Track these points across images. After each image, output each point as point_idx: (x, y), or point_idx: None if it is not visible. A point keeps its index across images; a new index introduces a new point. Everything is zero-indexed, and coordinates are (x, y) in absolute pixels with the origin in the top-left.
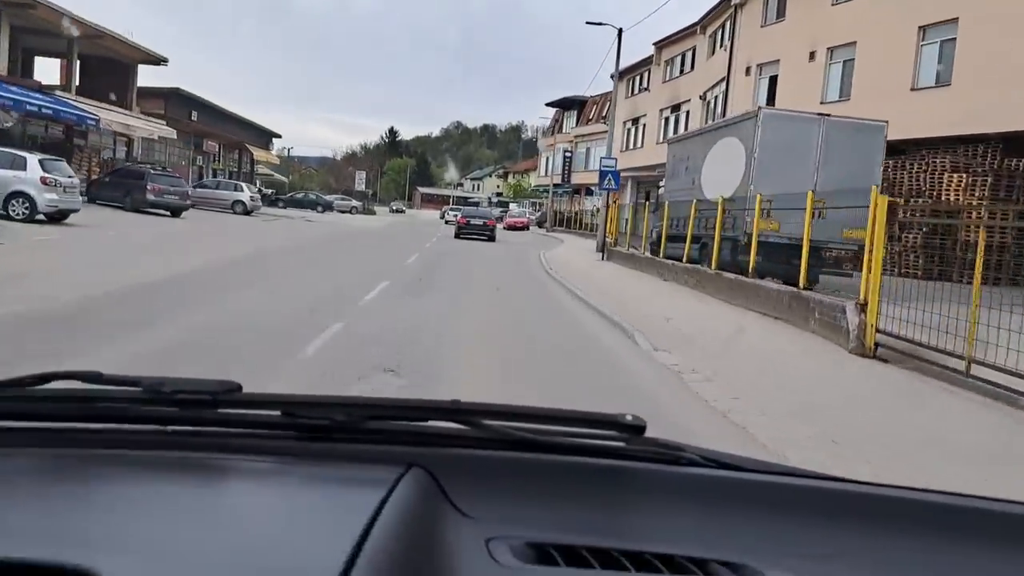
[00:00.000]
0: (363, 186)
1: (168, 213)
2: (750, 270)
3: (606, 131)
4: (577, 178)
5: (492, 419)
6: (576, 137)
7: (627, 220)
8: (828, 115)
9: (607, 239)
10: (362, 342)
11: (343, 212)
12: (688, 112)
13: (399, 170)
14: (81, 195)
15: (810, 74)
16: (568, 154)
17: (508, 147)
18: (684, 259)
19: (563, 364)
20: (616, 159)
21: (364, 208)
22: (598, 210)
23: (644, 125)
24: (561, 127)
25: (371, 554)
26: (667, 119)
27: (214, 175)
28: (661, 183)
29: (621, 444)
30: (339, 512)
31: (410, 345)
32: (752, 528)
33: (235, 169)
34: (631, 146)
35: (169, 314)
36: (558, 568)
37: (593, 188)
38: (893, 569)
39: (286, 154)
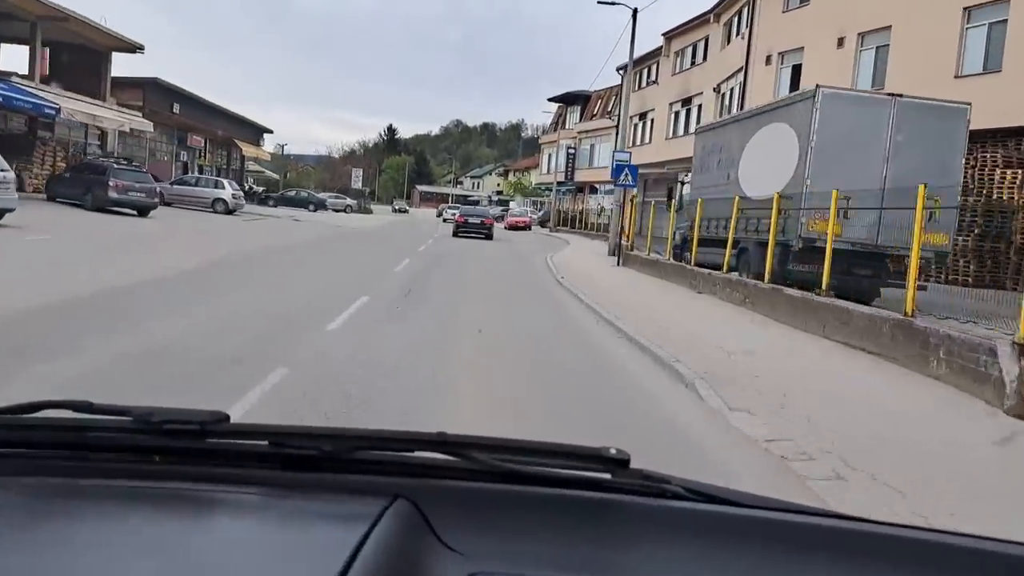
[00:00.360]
0: (360, 184)
1: (135, 212)
2: (823, 286)
3: (612, 127)
4: (581, 176)
5: (478, 451)
6: (580, 133)
7: (639, 220)
8: (900, 95)
9: (621, 241)
10: (306, 406)
11: (337, 211)
12: (700, 106)
13: (397, 168)
14: (37, 192)
15: (838, 62)
16: (571, 151)
17: (508, 145)
18: (724, 268)
19: (601, 436)
20: (630, 152)
21: (361, 207)
22: (603, 209)
23: (652, 120)
24: (564, 123)
25: None
26: (677, 113)
27: (200, 171)
28: (684, 177)
29: (607, 476)
30: (322, 546)
31: (378, 408)
32: (737, 563)
33: (224, 165)
34: (638, 142)
35: (19, 360)
36: None
37: (598, 186)
38: None
39: (280, 151)
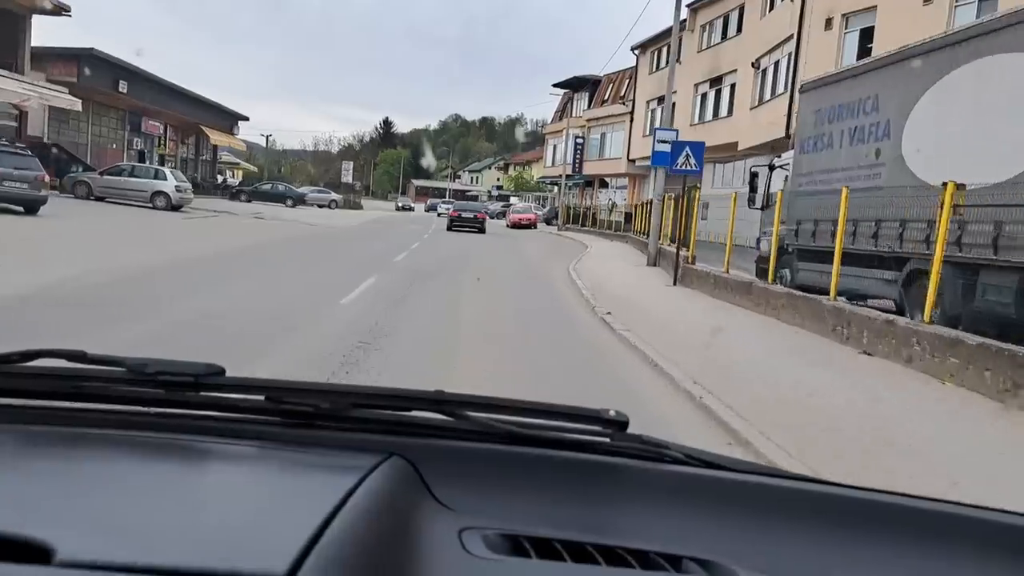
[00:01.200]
0: (350, 178)
1: (21, 209)
2: None
3: (624, 113)
4: (591, 168)
5: (476, 411)
6: (589, 121)
7: (677, 220)
8: None
9: (678, 253)
10: None
11: (322, 206)
12: (733, 85)
13: (392, 162)
14: None
15: (924, 20)
16: (580, 140)
17: (507, 140)
18: (924, 310)
19: None
20: (676, 130)
21: (350, 202)
22: (614, 205)
23: (673, 104)
24: (571, 110)
25: (335, 534)
26: (703, 95)
27: (162, 162)
28: (777, 161)
29: (605, 440)
30: (311, 496)
31: None
32: (729, 526)
33: (190, 156)
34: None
35: None
36: (528, 560)
37: (608, 180)
38: (867, 571)
39: (267, 143)
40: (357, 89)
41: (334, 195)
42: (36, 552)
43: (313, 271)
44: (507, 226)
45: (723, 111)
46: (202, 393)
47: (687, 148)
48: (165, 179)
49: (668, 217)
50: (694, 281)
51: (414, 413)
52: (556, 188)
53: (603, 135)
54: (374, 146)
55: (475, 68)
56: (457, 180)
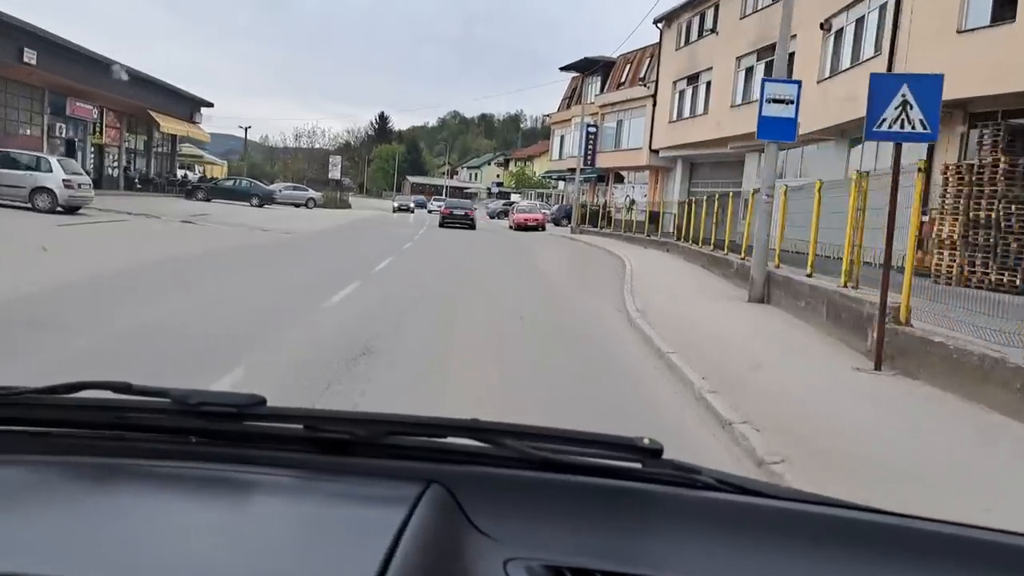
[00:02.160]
0: (338, 173)
1: None
2: None
3: (645, 96)
4: (605, 160)
5: (510, 438)
6: (603, 107)
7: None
8: None
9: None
10: None
11: (299, 205)
12: (793, 54)
13: (387, 158)
14: None
15: None
16: (592, 129)
17: (507, 137)
18: None
19: None
20: (799, 81)
21: (338, 200)
22: (633, 203)
23: (708, 84)
24: (579, 96)
25: (397, 570)
26: (749, 70)
27: (99, 153)
28: None
29: (637, 466)
30: (363, 530)
31: None
32: (768, 556)
33: (138, 148)
34: (684, 114)
35: None
36: None
37: (625, 173)
38: None
39: (244, 135)
40: (354, 87)
41: (312, 193)
42: None
43: (197, 319)
44: (510, 227)
45: None
46: (244, 423)
47: (905, 88)
48: (51, 172)
49: (696, 216)
50: (933, 367)
51: (449, 440)
52: (562, 184)
53: (620, 122)
54: (369, 142)
55: (474, 64)
56: (455, 177)
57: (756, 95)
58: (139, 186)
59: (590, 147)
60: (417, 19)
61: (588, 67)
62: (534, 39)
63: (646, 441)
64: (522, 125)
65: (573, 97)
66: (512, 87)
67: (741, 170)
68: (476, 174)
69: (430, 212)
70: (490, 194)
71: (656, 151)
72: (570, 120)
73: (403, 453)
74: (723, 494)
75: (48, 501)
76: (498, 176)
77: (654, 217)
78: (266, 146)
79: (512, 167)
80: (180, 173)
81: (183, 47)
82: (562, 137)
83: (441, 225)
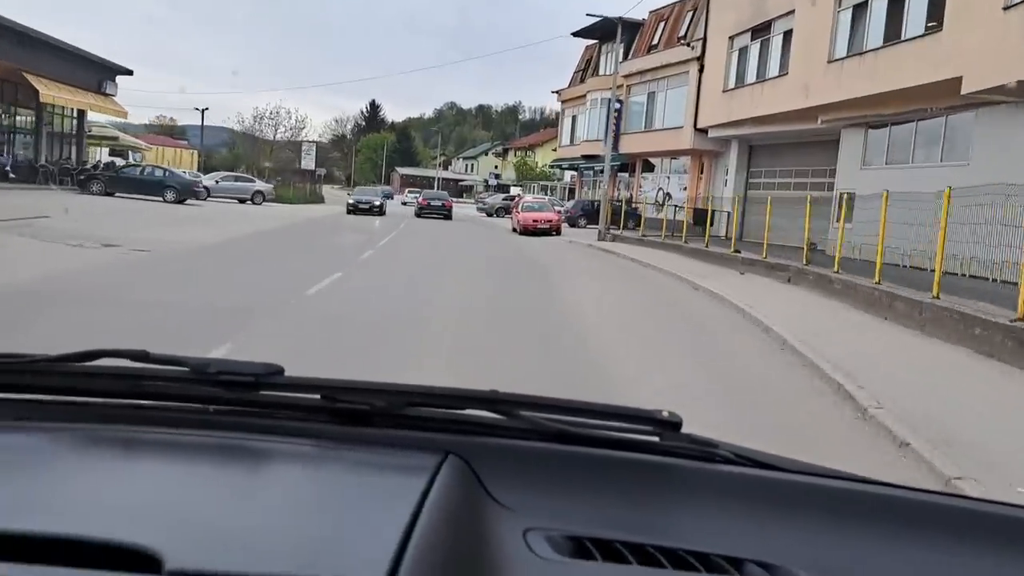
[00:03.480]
0: (312, 163)
1: None
2: None
3: (687, 60)
4: (630, 144)
5: (529, 410)
6: (629, 77)
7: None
8: None
9: None
10: None
11: (243, 200)
12: None
13: (375, 147)
14: None
15: None
16: (616, 106)
17: (504, 128)
18: None
19: None
20: None
21: (310, 193)
22: (667, 198)
23: (786, 35)
24: (596, 68)
25: (419, 542)
26: (856, 8)
27: None
28: None
29: (655, 439)
30: (383, 499)
31: None
32: (786, 529)
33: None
34: (746, 79)
35: None
36: (596, 563)
37: (657, 161)
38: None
39: (202, 118)
40: (350, 78)
41: (260, 185)
42: (144, 560)
43: None
44: (514, 230)
45: (912, 28)
46: (261, 392)
47: None
48: None
49: None
50: None
51: (467, 412)
52: (570, 175)
53: (651, 95)
54: (360, 133)
55: (471, 55)
56: (449, 169)
57: (875, 40)
58: (12, 176)
59: (613, 128)
60: (414, 9)
61: (607, 31)
62: (534, 27)
63: (665, 414)
64: (520, 117)
65: (588, 69)
66: (510, 78)
67: (834, 154)
68: (472, 165)
69: (404, 204)
70: (487, 187)
71: (703, 130)
72: (584, 97)
73: (421, 424)
74: (741, 468)
75: (65, 467)
76: (496, 167)
77: (700, 217)
78: (255, 137)
79: (511, 157)
80: (107, 160)
81: (176, 37)
82: (574, 118)
83: (418, 215)
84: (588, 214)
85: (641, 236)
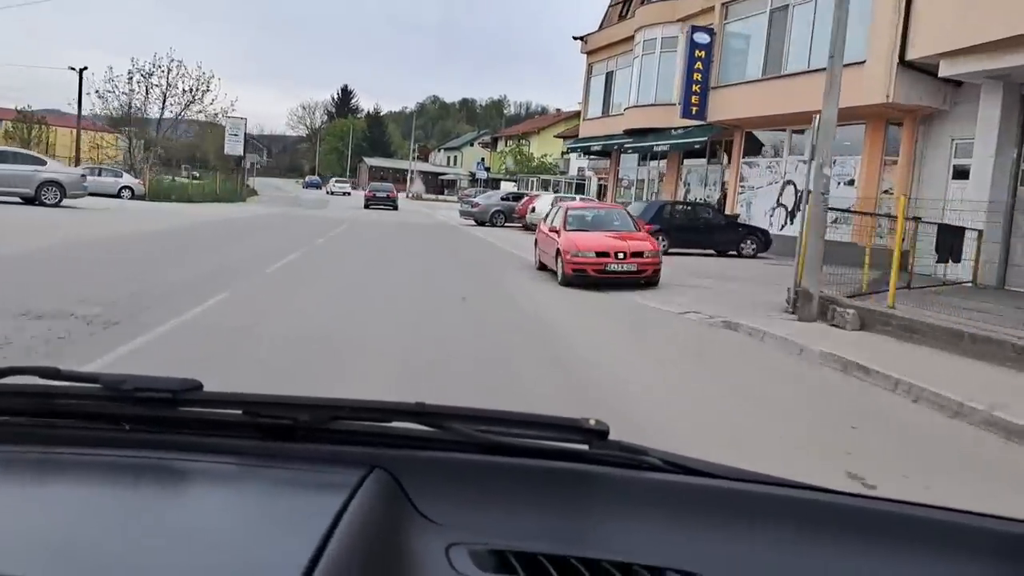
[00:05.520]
0: (240, 149)
1: None
2: None
3: None
4: (730, 105)
5: (456, 422)
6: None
7: None
8: None
9: None
10: None
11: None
12: None
13: (341, 135)
14: None
15: None
16: (704, 39)
17: (490, 123)
18: None
19: None
20: None
21: (237, 187)
22: (803, 197)
23: None
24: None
25: (331, 559)
26: None
27: None
28: None
29: (584, 447)
30: (300, 516)
31: None
32: (711, 536)
33: None
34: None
35: None
36: None
37: (780, 134)
38: None
39: (79, 85)
40: (333, 74)
41: (128, 180)
42: None
43: None
44: (538, 268)
45: None
46: (180, 409)
47: None
48: None
49: None
50: None
51: (394, 424)
52: (586, 164)
53: (775, 15)
54: (330, 121)
55: (454, 51)
56: (429, 160)
57: None
58: None
59: (697, 81)
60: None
61: None
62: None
63: (592, 423)
64: (506, 111)
65: (624, 7)
66: (495, 72)
67: None
68: (455, 157)
69: (330, 193)
70: (475, 181)
71: (920, 68)
72: (631, 39)
73: (347, 438)
74: (668, 475)
75: None
76: (483, 160)
77: (945, 239)
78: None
79: (504, 146)
80: None
81: (156, 30)
82: (608, 77)
83: (366, 207)
84: (672, 229)
85: (695, 252)
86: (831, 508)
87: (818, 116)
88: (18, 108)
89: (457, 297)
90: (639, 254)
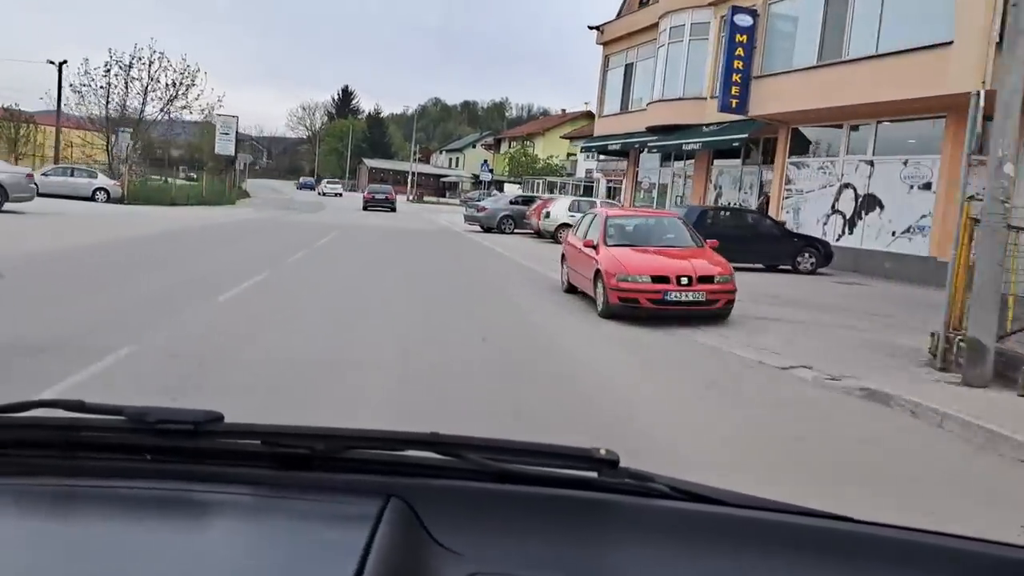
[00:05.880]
0: (231, 149)
1: None
2: None
3: None
4: (775, 98)
5: (470, 451)
6: None
7: None
8: None
9: None
10: None
11: (21, 201)
12: None
13: (340, 135)
14: None
15: None
16: (746, 22)
17: (492, 125)
18: None
19: None
20: None
21: (229, 187)
22: (865, 206)
23: None
24: None
25: None
26: None
27: None
28: None
29: (593, 475)
30: (328, 549)
31: None
32: (721, 562)
33: None
34: None
35: None
36: None
37: (839, 129)
38: None
39: (59, 79)
40: (334, 75)
41: (103, 181)
42: None
43: None
44: (565, 289)
45: None
46: (201, 440)
47: None
48: None
49: None
50: None
51: (408, 453)
52: (595, 166)
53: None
54: (331, 122)
55: (455, 53)
56: (431, 163)
57: None
58: None
59: (738, 70)
60: (401, 12)
61: None
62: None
63: (602, 452)
64: (507, 114)
65: None
66: (496, 75)
67: None
68: (457, 159)
69: (322, 194)
70: (478, 183)
71: None
72: (655, 27)
73: (362, 467)
74: (677, 502)
75: (2, 525)
76: (486, 162)
77: None
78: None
79: (508, 148)
80: None
81: (167, 33)
82: (628, 70)
83: (364, 208)
84: (714, 239)
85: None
86: (842, 536)
87: (979, 94)
88: (4, 107)
89: (469, 340)
90: (708, 279)
